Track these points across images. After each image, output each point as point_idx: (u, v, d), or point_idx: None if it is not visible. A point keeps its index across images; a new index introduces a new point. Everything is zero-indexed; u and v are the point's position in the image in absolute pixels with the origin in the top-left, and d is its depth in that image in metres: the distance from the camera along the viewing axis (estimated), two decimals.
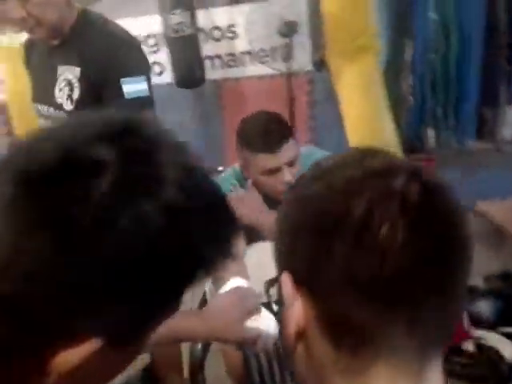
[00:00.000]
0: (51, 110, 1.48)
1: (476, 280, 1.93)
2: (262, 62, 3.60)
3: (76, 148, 0.39)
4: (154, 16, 3.44)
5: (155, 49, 3.76)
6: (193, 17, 3.29)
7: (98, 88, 1.39)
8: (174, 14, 3.23)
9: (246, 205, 1.32)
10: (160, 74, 3.82)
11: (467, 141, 3.20)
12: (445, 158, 3.09)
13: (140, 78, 1.40)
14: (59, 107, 1.45)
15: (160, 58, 3.74)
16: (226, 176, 1.52)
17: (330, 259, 0.43)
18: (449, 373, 1.59)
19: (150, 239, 0.39)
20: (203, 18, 3.54)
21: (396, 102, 3.28)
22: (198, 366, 1.31)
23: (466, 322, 1.58)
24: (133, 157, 0.40)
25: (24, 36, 1.60)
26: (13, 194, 0.37)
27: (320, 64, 3.34)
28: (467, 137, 3.20)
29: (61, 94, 1.44)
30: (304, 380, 0.48)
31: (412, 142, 3.21)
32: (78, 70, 1.40)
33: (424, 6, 3.20)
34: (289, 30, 3.19)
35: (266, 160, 1.31)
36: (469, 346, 1.55)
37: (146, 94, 1.43)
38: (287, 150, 1.31)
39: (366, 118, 3.25)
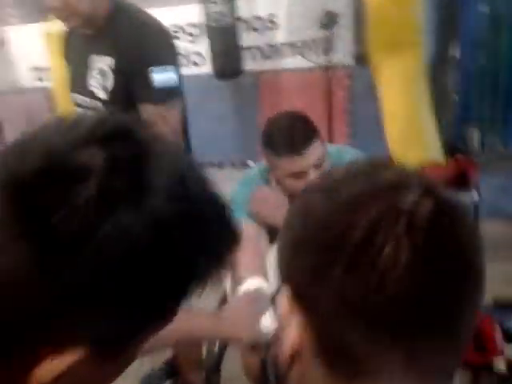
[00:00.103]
0: (86, 99, 1.51)
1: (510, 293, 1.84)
2: (302, 54, 3.53)
3: (63, 152, 0.38)
4: (195, 5, 3.42)
5: (195, 39, 3.75)
6: (233, 6, 3.26)
7: (129, 77, 1.40)
8: (214, 2, 3.21)
9: (271, 204, 1.29)
10: (199, 64, 3.82)
11: None
12: (488, 162, 2.95)
13: (169, 67, 1.41)
14: (93, 96, 1.48)
15: (200, 48, 3.73)
16: (251, 174, 1.48)
17: (327, 277, 0.40)
18: None
19: (133, 250, 0.37)
20: (244, 7, 3.50)
21: (440, 100, 3.15)
22: (213, 366, 1.31)
23: (498, 338, 1.50)
24: (120, 163, 0.38)
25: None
26: None
27: (361, 58, 3.25)
28: None
29: (94, 83, 1.47)
30: None
31: (454, 143, 3.08)
32: (111, 59, 1.43)
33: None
34: (329, 21, 3.11)
35: (290, 163, 1.24)
36: (500, 364, 1.47)
37: (175, 83, 1.44)
38: (313, 152, 1.24)
39: (405, 114, 3.15)
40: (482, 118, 3.13)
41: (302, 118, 1.30)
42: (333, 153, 1.41)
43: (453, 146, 2.98)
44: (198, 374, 1.68)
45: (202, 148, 3.94)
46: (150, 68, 1.38)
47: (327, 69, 3.20)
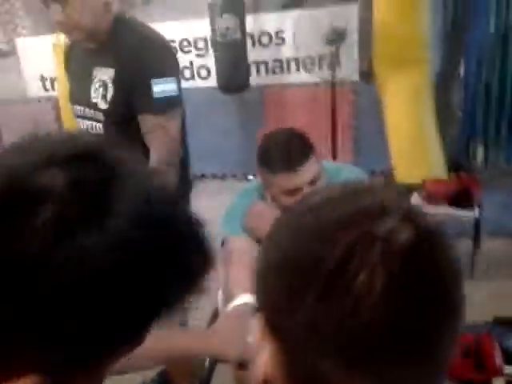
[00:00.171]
0: (87, 109, 1.53)
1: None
2: (308, 70, 3.56)
3: (24, 174, 0.37)
4: (204, 19, 3.47)
5: (203, 52, 3.80)
6: (242, 22, 3.30)
7: (130, 89, 1.41)
8: (222, 18, 3.25)
9: (266, 220, 1.27)
10: (205, 78, 3.86)
11: None
12: (491, 178, 2.94)
13: (169, 78, 1.43)
14: (94, 107, 1.49)
15: (207, 62, 3.78)
16: (250, 188, 1.48)
17: (300, 304, 0.39)
18: None
19: (93, 274, 0.36)
20: (252, 22, 3.54)
21: (444, 117, 3.16)
22: (204, 380, 1.30)
23: (497, 356, 1.48)
24: (82, 185, 0.37)
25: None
26: None
27: (366, 74, 3.27)
28: None
29: (96, 94, 1.50)
30: None
31: (458, 160, 3.08)
32: (112, 71, 1.44)
33: (481, 17, 3.07)
34: (337, 36, 3.14)
35: (286, 180, 1.23)
36: None
37: (175, 93, 1.45)
38: (308, 169, 1.23)
39: (410, 131, 3.15)
40: (487, 134, 3.13)
41: (298, 134, 1.29)
42: (331, 170, 1.40)
43: (456, 163, 2.98)
44: None
45: (206, 160, 3.98)
46: (151, 79, 1.40)
47: (333, 84, 3.22)
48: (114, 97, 1.46)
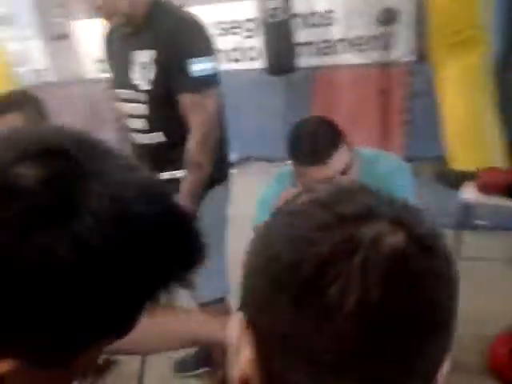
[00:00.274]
0: (129, 92, 1.57)
1: None
2: (359, 51, 3.45)
3: None
4: (254, 1, 3.43)
5: (251, 33, 3.76)
6: (289, 2, 3.23)
7: (168, 69, 1.46)
8: None
9: None
10: (253, 59, 3.83)
11: None
12: None
13: (205, 57, 1.48)
14: (136, 88, 1.51)
15: (255, 43, 3.74)
16: (283, 174, 1.44)
17: (275, 310, 0.37)
18: None
19: (56, 271, 0.36)
20: (301, 3, 3.46)
21: (506, 101, 2.98)
22: None
23: None
24: (54, 181, 0.37)
25: None
26: None
27: (422, 54, 3.13)
28: None
29: (137, 76, 1.54)
30: None
31: None
32: (152, 52, 1.48)
33: None
34: (389, 17, 3.01)
35: (315, 172, 1.19)
36: None
37: (211, 72, 1.50)
38: (338, 159, 1.18)
39: (466, 114, 2.99)
40: None
41: (326, 123, 1.24)
42: (369, 157, 1.34)
43: None
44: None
45: (253, 142, 3.97)
46: (187, 59, 1.45)
47: (384, 66, 3.11)
48: (156, 76, 1.50)
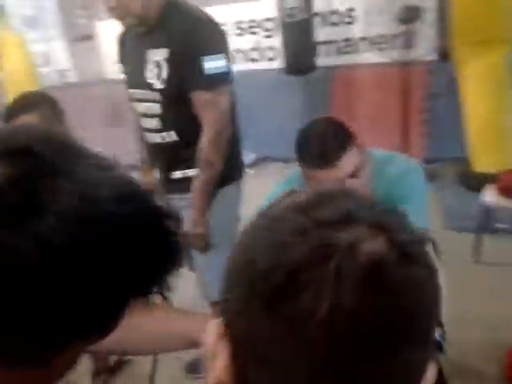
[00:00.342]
0: (143, 91, 1.58)
1: None
2: (379, 49, 3.40)
3: None
4: (272, 0, 3.41)
5: (270, 33, 3.75)
6: (309, 1, 3.20)
7: (182, 67, 1.46)
8: None
9: None
10: (272, 59, 3.81)
11: None
12: None
13: (219, 55, 1.48)
14: (150, 87, 1.52)
15: (274, 43, 3.72)
16: (292, 176, 1.42)
17: (248, 315, 0.36)
18: None
19: (18, 274, 0.36)
20: (321, 1, 3.43)
21: None
22: None
23: None
24: (16, 181, 0.37)
25: None
26: None
27: (443, 54, 3.07)
28: None
29: (150, 75, 1.55)
30: None
31: None
32: (165, 50, 1.49)
33: None
34: (411, 15, 2.96)
35: (324, 175, 1.16)
36: None
37: (225, 70, 1.50)
38: (347, 161, 1.15)
39: (488, 114, 2.92)
40: None
41: (335, 125, 1.20)
42: (383, 158, 1.30)
43: None
44: None
45: (270, 142, 3.95)
46: (201, 57, 1.45)
47: (405, 65, 3.06)
48: (169, 75, 1.50)
